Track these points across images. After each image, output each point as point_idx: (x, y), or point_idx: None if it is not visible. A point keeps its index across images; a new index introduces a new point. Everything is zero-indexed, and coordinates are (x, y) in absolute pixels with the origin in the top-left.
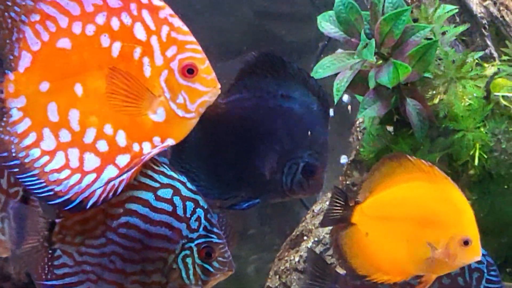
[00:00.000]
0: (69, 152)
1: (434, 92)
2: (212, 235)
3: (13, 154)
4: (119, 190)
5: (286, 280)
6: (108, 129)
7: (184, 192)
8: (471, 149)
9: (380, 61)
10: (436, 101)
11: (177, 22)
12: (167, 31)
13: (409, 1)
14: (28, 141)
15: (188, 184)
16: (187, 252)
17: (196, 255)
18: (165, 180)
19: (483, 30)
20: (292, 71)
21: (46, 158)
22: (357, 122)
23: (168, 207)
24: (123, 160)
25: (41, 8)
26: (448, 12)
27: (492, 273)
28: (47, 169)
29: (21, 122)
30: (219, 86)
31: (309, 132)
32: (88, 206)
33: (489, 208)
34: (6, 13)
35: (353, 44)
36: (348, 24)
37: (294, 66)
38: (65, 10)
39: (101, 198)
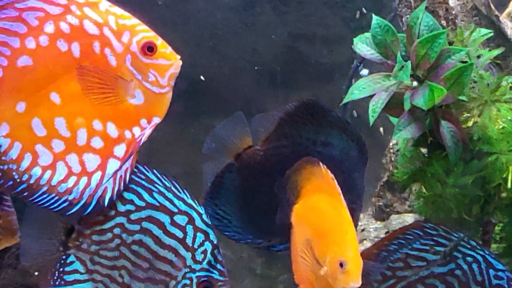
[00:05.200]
0: (68, 160)
1: (469, 114)
2: (214, 271)
3: (18, 180)
4: (127, 178)
5: None
6: (97, 125)
7: (198, 223)
8: (504, 172)
9: (416, 83)
10: (470, 123)
11: (119, 10)
12: (114, 19)
13: (445, 24)
14: (26, 163)
15: (204, 216)
16: (187, 281)
17: (194, 287)
18: (183, 207)
19: None
20: (331, 118)
21: (49, 172)
22: (391, 144)
23: (180, 234)
24: (120, 150)
25: None
26: (483, 35)
27: None
28: (53, 182)
29: (12, 147)
30: (179, 57)
31: (347, 178)
32: (106, 204)
33: None
34: None
35: (389, 66)
36: (384, 46)
37: (333, 114)
38: (12, 32)
39: (115, 192)
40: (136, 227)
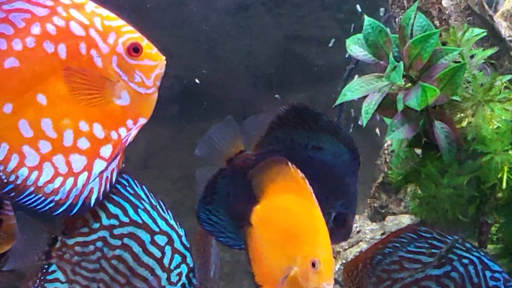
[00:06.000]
0: (54, 160)
1: (462, 115)
2: None
3: (5, 181)
4: (114, 179)
5: None
6: (83, 126)
7: (177, 244)
8: (499, 172)
9: (409, 84)
10: (464, 124)
11: (104, 11)
12: (100, 21)
13: (438, 24)
14: (12, 164)
15: (183, 239)
16: None
17: None
18: (165, 228)
19: None
20: (322, 122)
21: (35, 173)
22: (385, 145)
23: (158, 254)
24: (106, 151)
25: None
26: (476, 35)
27: None
28: (40, 183)
29: None
30: (163, 57)
31: (340, 183)
32: (92, 204)
33: None
34: None
35: (382, 67)
36: (376, 47)
37: (324, 118)
38: None
39: (101, 192)
40: (118, 243)
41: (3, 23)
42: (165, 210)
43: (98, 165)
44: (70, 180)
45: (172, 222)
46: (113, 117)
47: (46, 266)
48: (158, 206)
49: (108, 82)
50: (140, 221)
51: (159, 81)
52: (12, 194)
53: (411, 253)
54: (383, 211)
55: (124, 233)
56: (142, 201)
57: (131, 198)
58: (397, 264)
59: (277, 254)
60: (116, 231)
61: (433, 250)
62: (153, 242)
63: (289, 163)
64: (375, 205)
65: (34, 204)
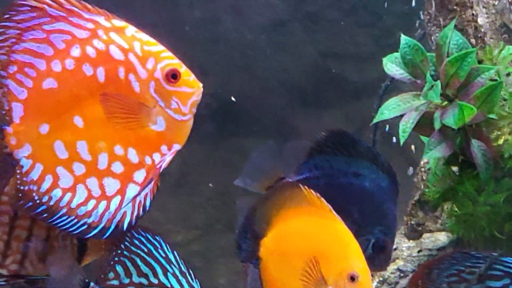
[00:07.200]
0: (88, 183)
1: (499, 132)
2: None
3: (37, 201)
4: (147, 205)
5: None
6: (118, 150)
7: None
8: None
9: (446, 103)
10: (501, 141)
11: (144, 36)
12: (140, 45)
13: (474, 42)
14: (46, 184)
15: None
16: None
17: None
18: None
19: None
20: (361, 148)
21: (69, 195)
22: (422, 163)
23: None
24: (140, 175)
25: (16, 59)
26: None
27: None
28: (73, 205)
29: (33, 169)
30: (201, 84)
31: (379, 209)
32: (125, 228)
33: None
34: None
35: (419, 86)
36: (413, 66)
37: (363, 144)
38: (39, 54)
39: (134, 217)
40: None
41: (44, 44)
42: (193, 278)
43: (132, 190)
44: (103, 204)
45: None
46: (148, 142)
47: None
48: (187, 274)
49: (144, 108)
50: (169, 285)
51: (195, 108)
52: (45, 215)
53: (455, 276)
54: (420, 228)
55: None
56: (172, 265)
57: (162, 261)
58: (455, 276)
59: (298, 282)
60: None
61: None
62: None
63: (301, 186)
64: (412, 222)
65: (67, 226)
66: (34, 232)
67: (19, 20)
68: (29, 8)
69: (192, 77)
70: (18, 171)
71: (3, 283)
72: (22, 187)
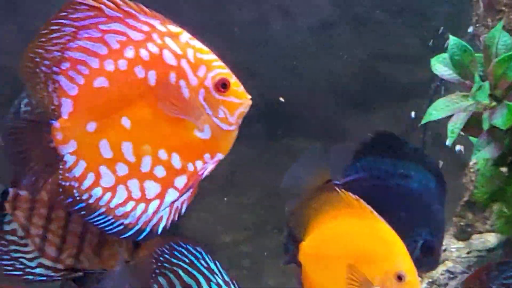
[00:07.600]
0: (129, 184)
1: None
2: None
3: (77, 198)
4: (183, 211)
5: None
6: (162, 154)
7: None
8: None
9: (494, 103)
10: None
11: (198, 43)
12: (193, 53)
13: None
14: (88, 182)
15: None
16: None
17: None
18: None
19: None
20: (408, 149)
21: (109, 194)
22: (471, 163)
23: None
24: (180, 181)
25: (69, 56)
26: None
27: None
28: (112, 205)
29: (76, 165)
30: (249, 96)
31: (426, 210)
32: (159, 232)
33: None
34: (37, 69)
35: (467, 86)
36: (462, 67)
37: (410, 145)
38: (93, 52)
39: (169, 222)
40: None
41: (98, 43)
42: (236, 287)
43: (171, 195)
44: (142, 206)
45: None
46: (192, 149)
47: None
48: (230, 283)
49: (194, 112)
50: None
51: (241, 119)
52: (83, 213)
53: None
54: (469, 229)
55: None
56: (215, 275)
57: (205, 271)
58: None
59: (339, 286)
60: None
61: None
62: None
63: (337, 189)
64: (461, 223)
65: (103, 225)
66: (89, 227)
67: (75, 19)
68: (86, 7)
69: (241, 88)
70: (61, 167)
71: (60, 277)
72: (63, 183)
